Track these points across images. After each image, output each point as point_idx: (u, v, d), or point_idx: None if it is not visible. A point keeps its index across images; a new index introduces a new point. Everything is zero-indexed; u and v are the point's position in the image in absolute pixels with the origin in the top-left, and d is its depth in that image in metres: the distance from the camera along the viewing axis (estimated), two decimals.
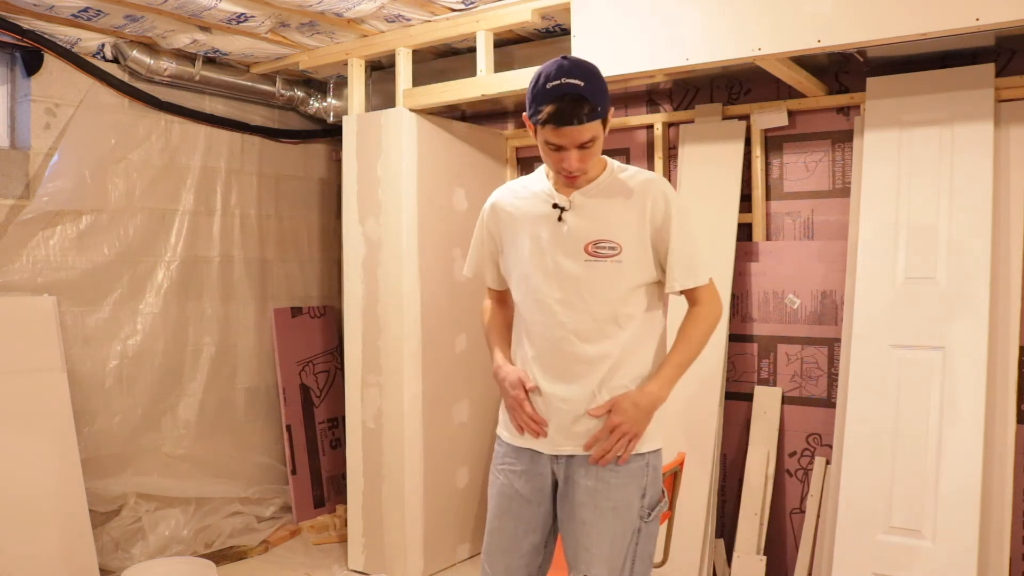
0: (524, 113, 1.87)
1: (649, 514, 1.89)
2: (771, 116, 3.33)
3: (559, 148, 1.80)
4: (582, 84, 1.75)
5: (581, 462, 1.88)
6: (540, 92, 1.78)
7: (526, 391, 1.91)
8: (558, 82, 1.75)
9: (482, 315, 2.20)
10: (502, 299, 2.14)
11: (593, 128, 1.78)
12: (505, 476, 1.97)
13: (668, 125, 3.61)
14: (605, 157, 1.96)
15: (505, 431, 2.01)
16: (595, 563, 1.84)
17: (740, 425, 3.42)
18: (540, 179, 1.98)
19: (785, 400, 3.34)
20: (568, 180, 1.88)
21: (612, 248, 1.85)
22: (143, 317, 3.80)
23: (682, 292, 1.93)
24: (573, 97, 1.74)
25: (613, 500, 1.85)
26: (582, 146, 1.79)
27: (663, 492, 1.96)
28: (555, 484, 1.93)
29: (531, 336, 1.93)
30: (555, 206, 1.90)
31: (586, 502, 1.86)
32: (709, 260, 3.11)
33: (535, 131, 1.84)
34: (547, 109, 1.75)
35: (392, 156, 3.52)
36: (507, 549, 1.96)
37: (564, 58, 1.80)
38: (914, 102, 2.95)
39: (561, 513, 1.92)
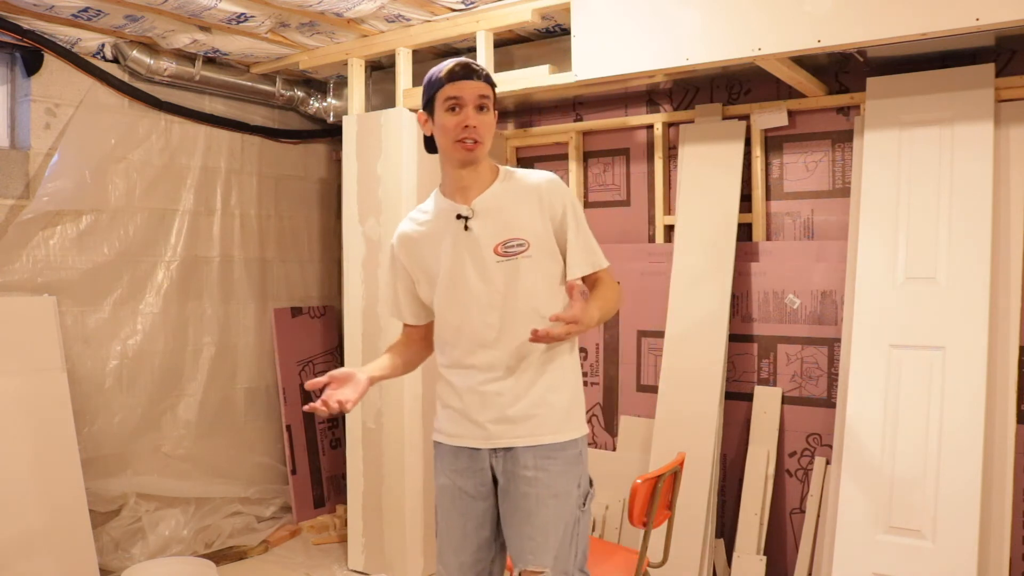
0: (419, 112, 2.00)
1: (584, 503, 1.95)
2: (771, 116, 3.33)
3: (457, 107, 1.89)
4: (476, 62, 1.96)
5: (521, 454, 1.91)
6: (440, 69, 1.93)
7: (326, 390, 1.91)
8: (457, 59, 1.96)
9: None
10: (411, 337, 2.17)
11: (489, 91, 1.93)
12: (447, 477, 2.03)
13: (668, 125, 3.61)
14: (496, 164, 2.04)
15: (441, 434, 2.06)
16: (540, 552, 1.86)
17: (740, 425, 3.42)
18: (437, 200, 2.06)
19: (785, 400, 3.34)
20: (466, 151, 1.91)
21: (520, 245, 1.92)
22: (143, 317, 3.80)
23: (583, 278, 1.99)
24: (470, 61, 1.94)
25: (554, 488, 1.89)
26: (480, 107, 1.90)
27: (591, 480, 2.00)
28: (495, 479, 1.97)
29: (460, 342, 1.98)
30: (459, 216, 1.96)
31: (528, 492, 1.89)
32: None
33: (431, 117, 1.95)
34: (447, 68, 1.91)
35: (392, 156, 3.52)
36: (458, 547, 2.01)
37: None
38: (914, 102, 2.95)
39: (503, 509, 1.95)
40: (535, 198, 1.95)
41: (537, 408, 1.92)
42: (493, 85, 1.96)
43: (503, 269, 1.92)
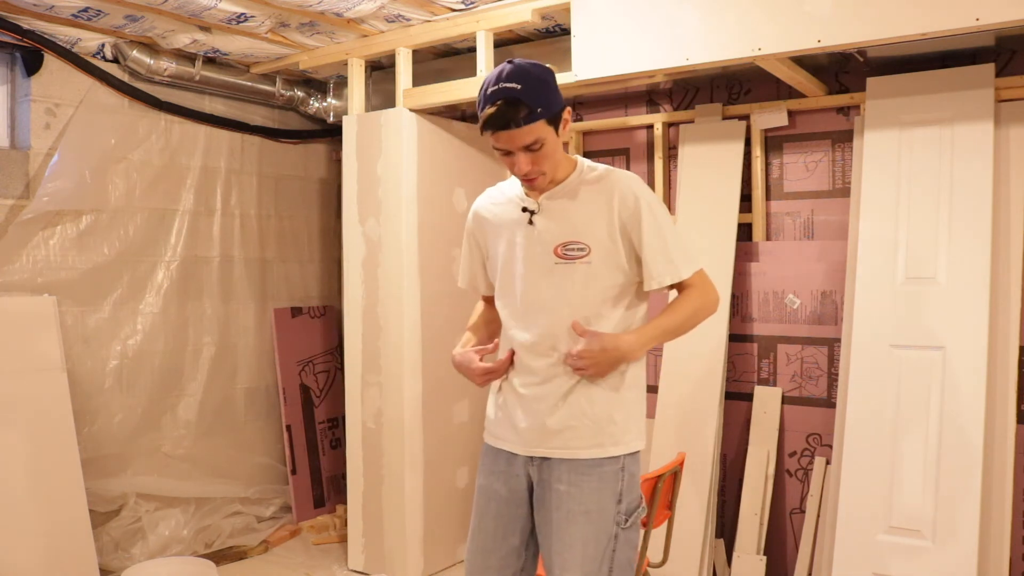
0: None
1: (626, 520, 1.86)
2: (771, 116, 3.33)
3: (507, 152, 1.80)
4: (519, 87, 1.74)
5: (555, 466, 1.86)
6: (481, 99, 1.80)
7: (481, 361, 1.97)
8: (496, 87, 1.76)
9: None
10: (491, 305, 2.13)
11: (535, 130, 1.76)
12: (485, 477, 1.99)
13: (668, 125, 3.62)
14: (577, 157, 1.95)
15: (487, 433, 2.02)
16: (568, 568, 1.82)
17: (740, 425, 3.42)
18: (514, 184, 1.99)
19: (785, 400, 3.34)
20: (528, 184, 1.88)
21: (581, 249, 1.83)
22: (143, 317, 3.80)
23: (671, 287, 1.89)
24: (508, 101, 1.74)
25: (585, 504, 1.83)
26: (529, 149, 1.78)
27: (641, 498, 1.92)
28: (531, 487, 1.93)
29: (509, 339, 1.94)
30: (524, 210, 1.91)
31: (559, 506, 1.84)
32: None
33: None
34: (484, 115, 1.76)
35: (392, 156, 3.52)
36: (488, 549, 1.97)
37: (508, 62, 1.80)
38: (914, 102, 2.95)
39: (537, 518, 1.91)
40: (605, 201, 1.84)
41: (574, 420, 1.85)
42: (543, 116, 1.76)
43: (559, 272, 1.84)
